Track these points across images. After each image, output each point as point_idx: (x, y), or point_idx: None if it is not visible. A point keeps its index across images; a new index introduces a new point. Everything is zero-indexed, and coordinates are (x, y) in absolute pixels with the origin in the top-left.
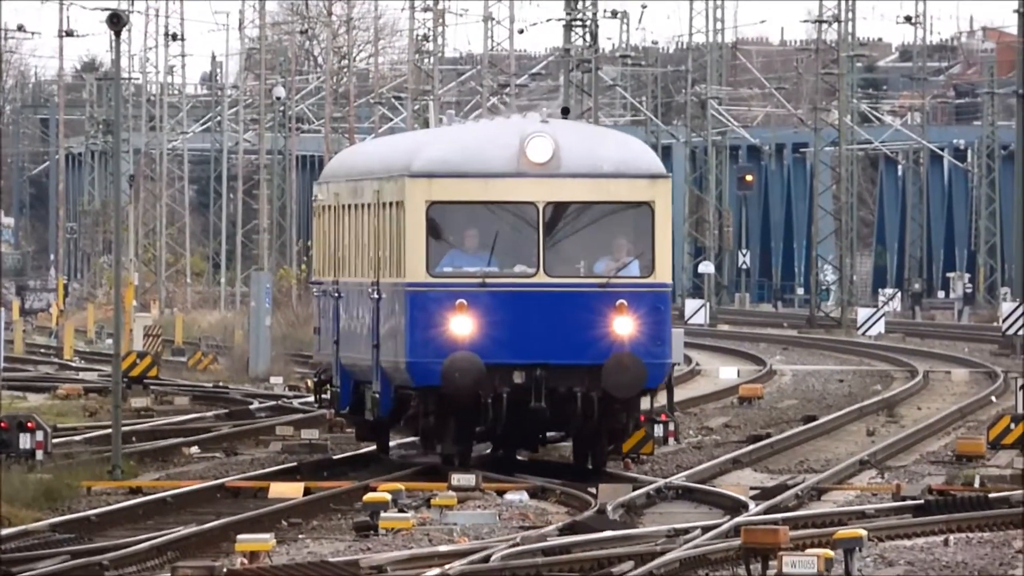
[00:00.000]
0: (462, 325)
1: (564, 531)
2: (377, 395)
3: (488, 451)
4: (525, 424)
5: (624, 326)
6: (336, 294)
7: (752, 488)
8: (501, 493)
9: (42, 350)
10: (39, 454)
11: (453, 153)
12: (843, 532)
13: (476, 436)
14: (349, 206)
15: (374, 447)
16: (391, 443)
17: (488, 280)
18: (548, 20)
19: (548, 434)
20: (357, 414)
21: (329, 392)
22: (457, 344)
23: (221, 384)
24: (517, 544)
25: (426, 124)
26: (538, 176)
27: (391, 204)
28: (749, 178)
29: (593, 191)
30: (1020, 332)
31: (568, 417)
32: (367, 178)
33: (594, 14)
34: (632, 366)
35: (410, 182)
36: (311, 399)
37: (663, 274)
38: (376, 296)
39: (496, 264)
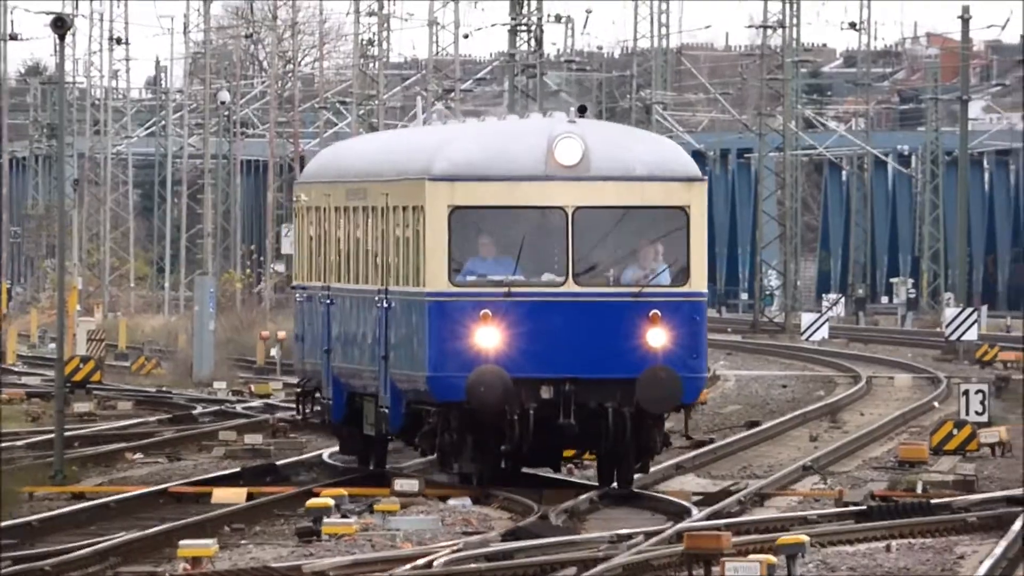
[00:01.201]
0: (487, 337)
1: (507, 537)
2: (385, 410)
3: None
4: (551, 441)
5: (658, 338)
6: (327, 300)
7: (695, 494)
8: (444, 499)
9: None
10: None
11: (476, 154)
12: (786, 538)
13: (501, 454)
14: (345, 208)
15: (317, 454)
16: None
17: (514, 289)
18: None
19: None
20: (350, 427)
21: (319, 403)
22: (482, 357)
23: (164, 389)
24: (460, 550)
25: (371, 128)
26: (567, 179)
27: (406, 208)
28: None
29: (625, 195)
30: (963, 337)
31: (598, 434)
32: (371, 180)
33: (539, 19)
34: (668, 380)
35: (431, 185)
36: (255, 404)
37: (699, 283)
38: (385, 305)
39: (522, 272)
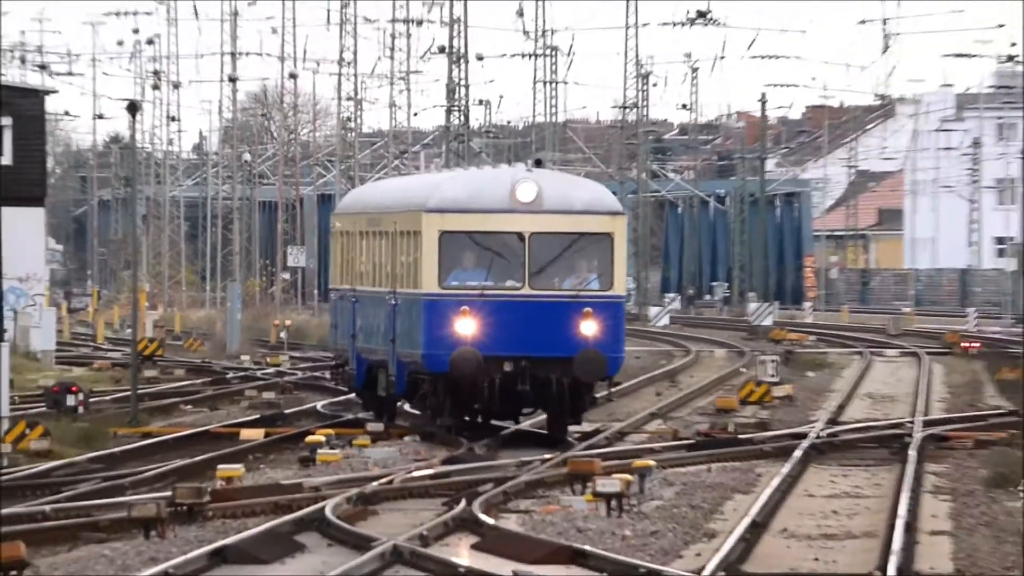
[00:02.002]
0: (466, 326)
1: (445, 462)
2: (393, 378)
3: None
4: (512, 402)
5: (589, 328)
6: (353, 299)
7: (575, 432)
8: (401, 436)
9: (82, 337)
10: (80, 409)
11: (460, 193)
12: (638, 462)
13: (473, 411)
14: (367, 232)
15: (312, 405)
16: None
17: (485, 292)
18: (435, 106)
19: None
20: (369, 391)
21: (345, 373)
22: (461, 340)
23: (206, 360)
24: (412, 471)
25: (351, 181)
26: (525, 212)
27: (409, 232)
28: None
29: (567, 224)
30: (762, 323)
31: (546, 397)
32: (385, 212)
33: (467, 102)
34: (596, 358)
35: (426, 216)
36: (270, 371)
37: (619, 288)
38: (393, 302)
39: (492, 279)
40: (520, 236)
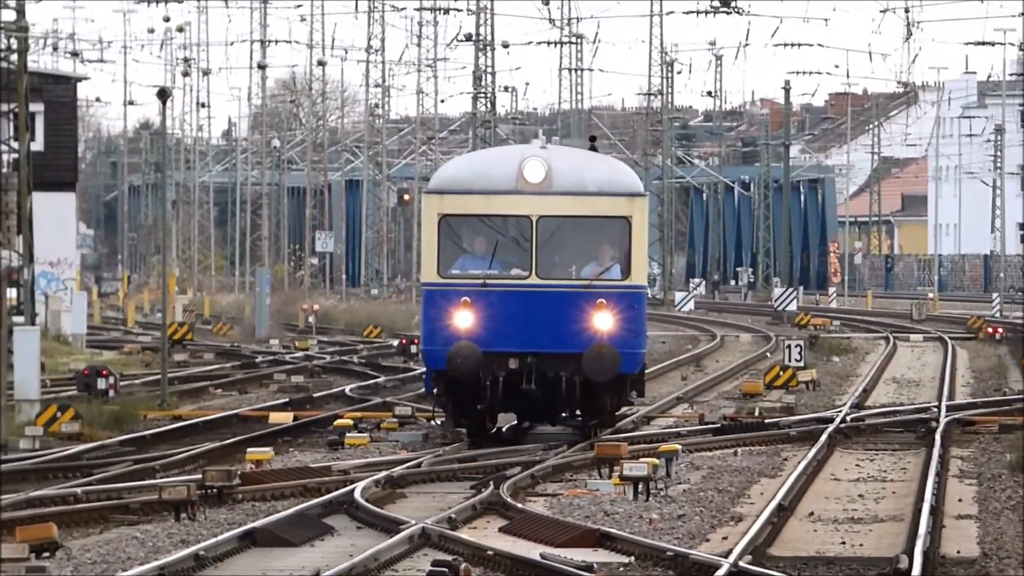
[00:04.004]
0: (465, 319)
1: (472, 446)
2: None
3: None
4: (518, 403)
5: (603, 321)
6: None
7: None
8: (429, 420)
9: (113, 321)
10: (111, 393)
11: (463, 173)
12: (665, 446)
13: (478, 412)
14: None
15: (341, 389)
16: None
17: (488, 281)
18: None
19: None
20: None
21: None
22: (460, 335)
23: (235, 344)
24: (440, 455)
25: (378, 167)
26: (533, 193)
27: (423, 217)
28: None
29: (579, 207)
30: (786, 308)
31: (555, 397)
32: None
33: (493, 89)
34: (608, 355)
35: (426, 198)
36: (298, 355)
37: (638, 277)
38: (421, 294)
39: (496, 267)
40: (527, 220)
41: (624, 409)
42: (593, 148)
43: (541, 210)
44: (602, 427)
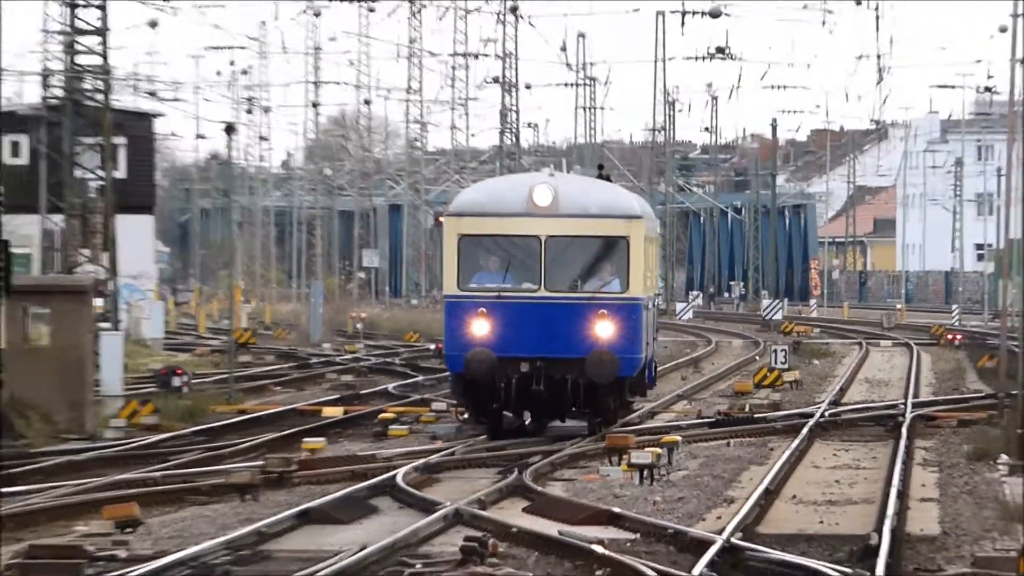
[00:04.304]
0: (481, 327)
1: (491, 439)
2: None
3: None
4: (529, 402)
5: (604, 329)
6: None
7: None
8: (461, 414)
9: (186, 327)
10: (185, 389)
11: (479, 197)
12: (667, 438)
13: (494, 412)
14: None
15: (384, 387)
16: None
17: (502, 294)
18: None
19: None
20: None
21: None
22: (477, 342)
23: (292, 348)
24: (471, 445)
25: (417, 192)
26: (541, 216)
27: (446, 237)
28: None
29: (583, 227)
30: (773, 317)
31: (561, 397)
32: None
33: (517, 125)
34: (608, 360)
35: (447, 220)
36: (347, 357)
37: (636, 290)
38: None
39: (509, 281)
40: (537, 239)
41: (634, 405)
42: (601, 175)
43: (549, 231)
44: (605, 424)
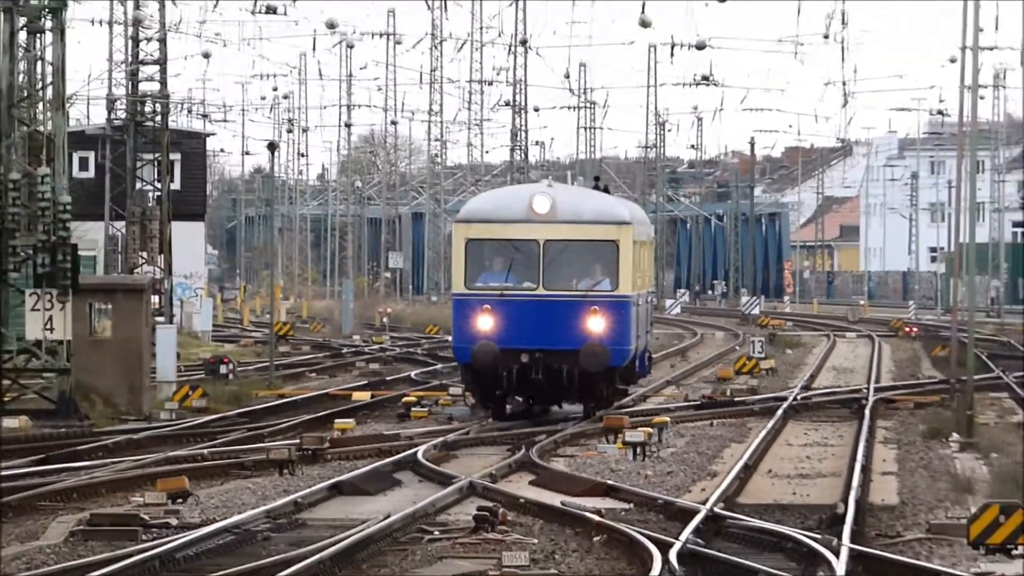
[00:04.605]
0: (486, 322)
1: (508, 419)
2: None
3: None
4: (528, 390)
5: (596, 324)
6: None
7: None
8: (470, 400)
9: (232, 321)
10: (230, 376)
11: (485, 205)
12: (657, 419)
13: (498, 398)
14: None
15: (407, 374)
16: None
17: (505, 292)
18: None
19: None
20: None
21: None
22: (482, 335)
23: (326, 339)
24: (484, 425)
25: (437, 203)
26: (540, 222)
27: (453, 241)
28: None
29: (577, 232)
30: (752, 312)
31: (558, 385)
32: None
33: (526, 143)
34: (600, 351)
35: (455, 226)
36: (375, 347)
37: (625, 288)
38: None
39: (511, 281)
40: (536, 243)
41: (629, 390)
42: (597, 186)
43: (547, 235)
44: (598, 409)
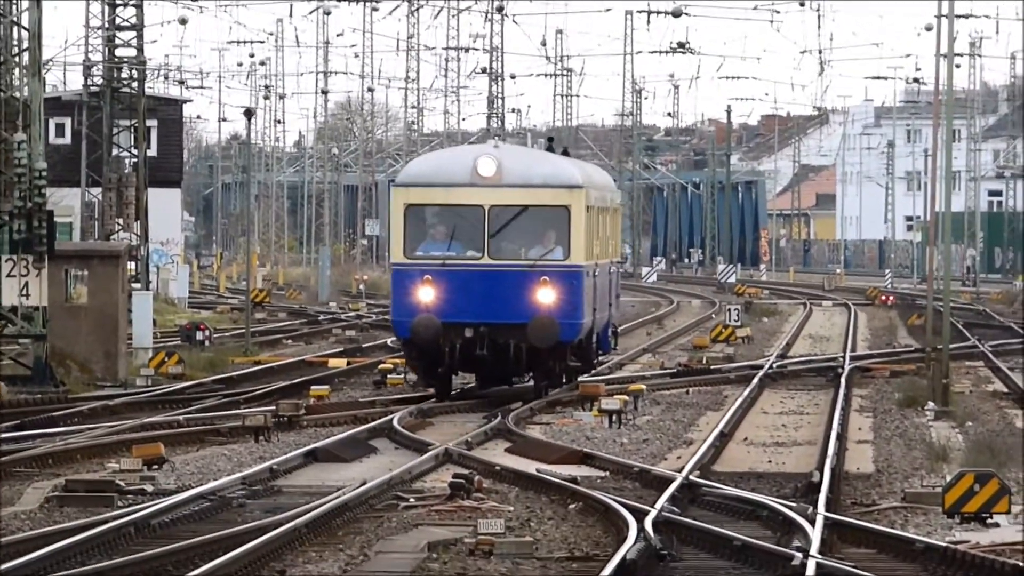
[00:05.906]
0: (427, 294)
1: (482, 387)
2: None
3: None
4: (473, 366)
5: (545, 296)
6: None
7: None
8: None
9: (208, 287)
10: (207, 343)
11: (425, 168)
12: (633, 386)
13: (441, 375)
14: None
15: (383, 341)
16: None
17: (447, 261)
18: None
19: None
20: None
21: None
22: (423, 307)
23: (302, 306)
24: (458, 392)
25: None
26: (485, 186)
27: (391, 206)
28: None
29: (526, 197)
30: (728, 280)
31: (505, 362)
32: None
33: (502, 111)
34: (549, 325)
35: (394, 190)
36: (351, 315)
37: (577, 258)
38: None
39: (454, 250)
40: (481, 208)
41: (595, 363)
42: (551, 148)
43: (492, 200)
44: (551, 387)
